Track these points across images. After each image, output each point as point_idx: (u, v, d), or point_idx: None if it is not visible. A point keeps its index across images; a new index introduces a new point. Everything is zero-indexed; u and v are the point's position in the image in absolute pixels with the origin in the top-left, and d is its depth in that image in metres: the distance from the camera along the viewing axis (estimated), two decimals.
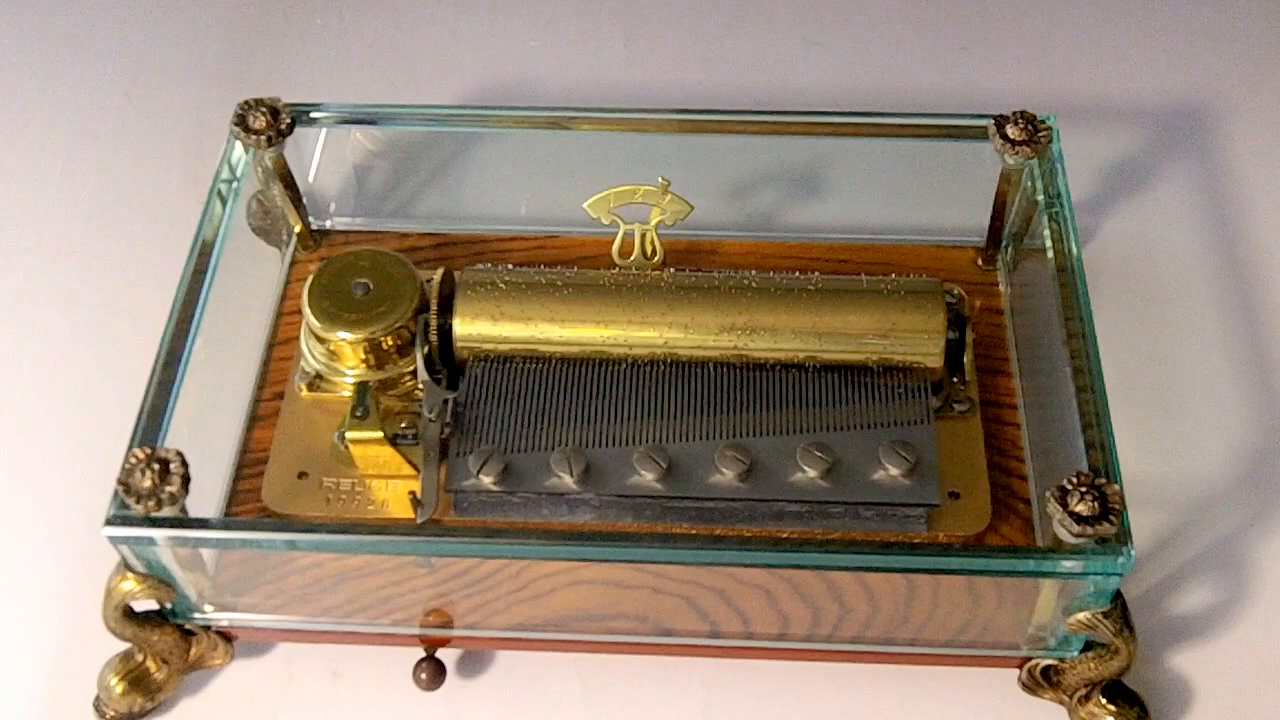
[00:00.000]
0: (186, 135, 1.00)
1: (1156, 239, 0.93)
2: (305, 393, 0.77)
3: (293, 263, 0.85)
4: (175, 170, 0.97)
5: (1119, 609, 0.65)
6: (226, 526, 0.69)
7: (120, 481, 0.64)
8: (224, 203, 0.78)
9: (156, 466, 0.64)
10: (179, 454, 0.65)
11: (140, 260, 0.92)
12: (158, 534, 0.65)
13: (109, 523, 0.64)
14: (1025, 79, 1.03)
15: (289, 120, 0.79)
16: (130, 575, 0.68)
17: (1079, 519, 0.62)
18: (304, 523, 0.72)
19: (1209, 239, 0.93)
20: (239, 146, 0.79)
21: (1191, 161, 0.97)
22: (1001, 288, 0.83)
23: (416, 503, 0.71)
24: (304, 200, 0.84)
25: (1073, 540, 0.62)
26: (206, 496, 0.74)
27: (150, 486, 0.64)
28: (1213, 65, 1.03)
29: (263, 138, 0.78)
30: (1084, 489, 0.62)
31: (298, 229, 0.85)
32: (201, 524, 0.66)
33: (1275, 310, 0.89)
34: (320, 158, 0.87)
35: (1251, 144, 0.98)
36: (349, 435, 0.72)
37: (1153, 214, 0.94)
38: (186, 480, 0.64)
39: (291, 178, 0.82)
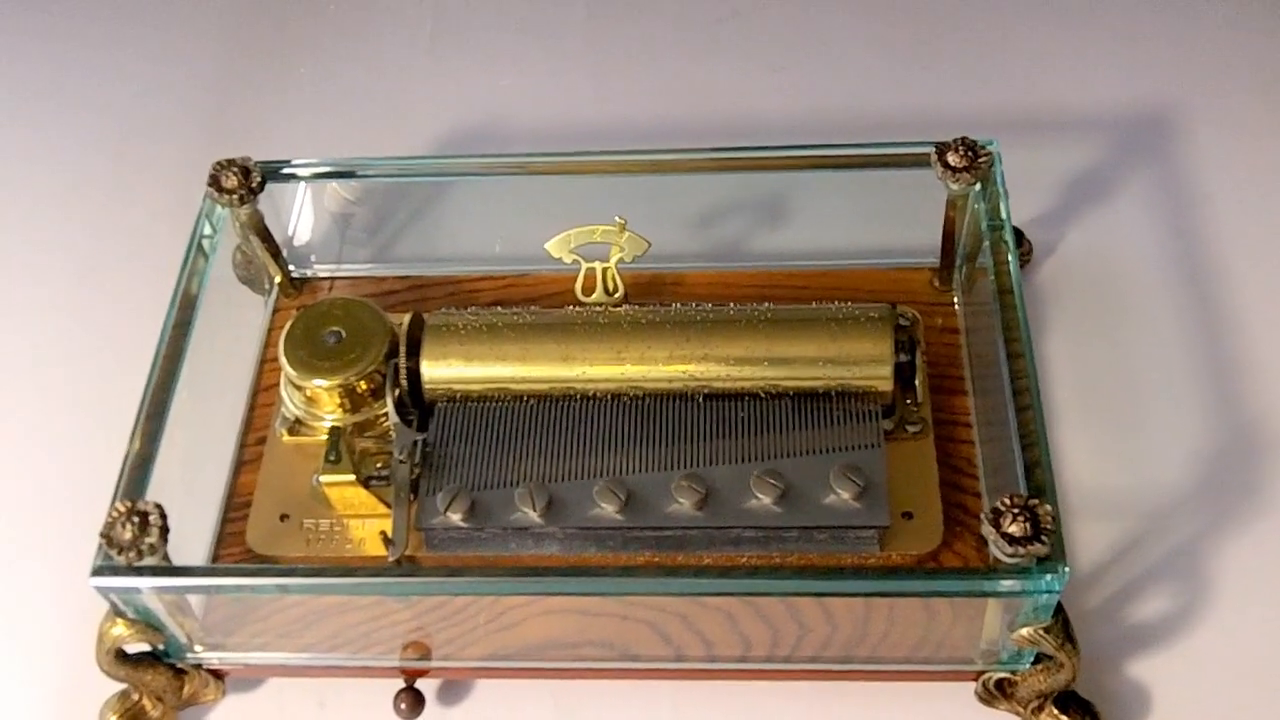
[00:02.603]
0: (177, 188, 1.03)
1: (1118, 251, 0.94)
2: (286, 437, 0.81)
3: (275, 310, 0.89)
4: (165, 223, 1.00)
5: (1060, 623, 0.67)
6: (206, 573, 0.73)
7: (103, 534, 0.68)
8: (205, 257, 0.82)
9: (137, 519, 0.68)
10: (158, 506, 0.69)
11: (134, 313, 0.95)
12: (142, 582, 0.69)
13: (96, 573, 0.68)
14: (986, 95, 1.04)
15: (260, 179, 0.82)
16: (120, 620, 0.72)
17: (1011, 540, 0.64)
18: (281, 565, 0.75)
19: (1170, 249, 0.94)
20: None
21: (1152, 171, 0.98)
22: (957, 307, 0.85)
23: (388, 541, 0.74)
24: (282, 251, 0.88)
25: (1007, 560, 0.64)
26: (198, 540, 0.79)
27: (131, 538, 0.68)
28: (1172, 73, 1.04)
29: (235, 196, 0.82)
30: (1016, 510, 0.64)
31: (278, 279, 0.88)
32: (182, 571, 0.70)
33: (1234, 319, 0.90)
34: (299, 209, 0.91)
35: (1211, 151, 0.99)
36: (323, 479, 0.76)
37: (1114, 226, 0.95)
38: (165, 531, 0.68)
39: (268, 231, 0.85)
